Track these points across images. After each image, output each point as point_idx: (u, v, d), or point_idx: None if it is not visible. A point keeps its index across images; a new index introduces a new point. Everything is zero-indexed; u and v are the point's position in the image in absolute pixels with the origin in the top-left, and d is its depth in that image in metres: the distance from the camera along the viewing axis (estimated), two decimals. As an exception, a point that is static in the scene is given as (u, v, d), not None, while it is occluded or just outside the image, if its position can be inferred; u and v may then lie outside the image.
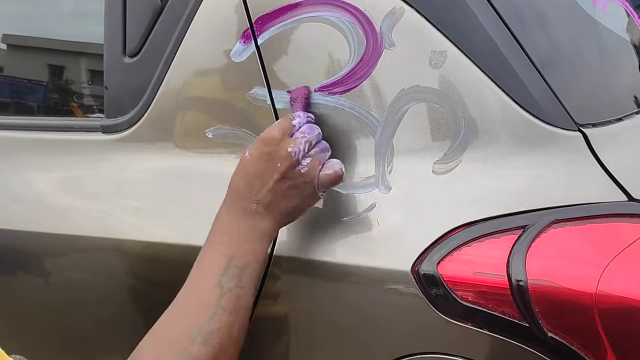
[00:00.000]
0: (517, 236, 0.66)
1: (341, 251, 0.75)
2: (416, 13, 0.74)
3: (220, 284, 0.68)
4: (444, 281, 0.67)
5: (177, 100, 0.89)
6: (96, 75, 1.13)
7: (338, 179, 0.74)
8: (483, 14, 0.73)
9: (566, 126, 0.71)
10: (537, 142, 0.71)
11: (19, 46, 1.33)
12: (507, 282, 0.65)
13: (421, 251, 0.69)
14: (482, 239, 0.68)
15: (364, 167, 0.76)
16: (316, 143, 0.74)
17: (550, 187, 0.70)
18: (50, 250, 1.00)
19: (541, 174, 0.71)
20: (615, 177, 0.69)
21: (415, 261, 0.69)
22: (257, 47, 0.81)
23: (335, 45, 0.77)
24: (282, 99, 0.80)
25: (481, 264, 0.67)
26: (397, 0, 0.74)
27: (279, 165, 0.72)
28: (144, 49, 0.91)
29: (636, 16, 0.96)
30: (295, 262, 0.77)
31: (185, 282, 0.71)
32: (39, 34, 1.28)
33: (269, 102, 0.81)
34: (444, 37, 0.73)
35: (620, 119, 0.76)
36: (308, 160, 0.73)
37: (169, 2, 0.89)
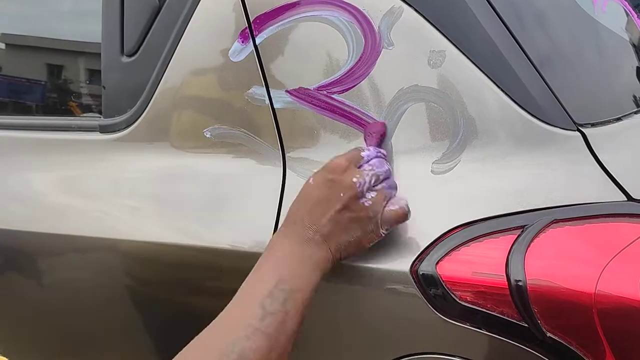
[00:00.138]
0: (516, 236, 0.66)
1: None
2: (415, 12, 0.74)
3: (262, 306, 0.65)
4: (443, 281, 0.67)
5: (175, 100, 0.89)
6: (94, 75, 1.13)
7: (403, 216, 0.70)
8: (482, 13, 0.73)
9: (565, 126, 0.71)
10: (536, 142, 0.71)
11: (16, 45, 1.32)
12: (506, 282, 0.64)
13: (420, 251, 0.69)
14: (481, 239, 0.67)
15: (363, 166, 0.76)
16: (384, 179, 0.71)
17: (549, 187, 0.69)
18: (48, 250, 1.00)
19: (540, 174, 0.70)
20: (614, 177, 0.69)
21: (414, 261, 0.69)
22: (256, 46, 0.81)
23: (333, 44, 0.77)
24: (280, 99, 0.80)
25: (480, 264, 0.66)
26: (395, 0, 0.74)
27: (342, 194, 0.69)
28: (141, 48, 0.91)
29: (635, 16, 0.96)
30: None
31: (232, 300, 0.68)
32: (37, 33, 1.27)
33: (267, 101, 0.81)
34: (442, 37, 0.73)
35: (619, 119, 0.76)
36: (373, 194, 0.70)
37: (166, 1, 0.89)
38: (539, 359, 0.64)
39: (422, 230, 0.70)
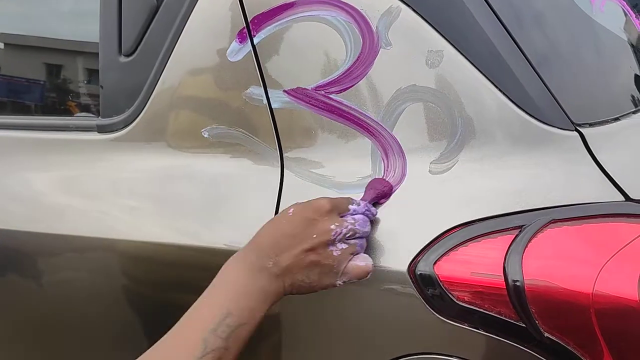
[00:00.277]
0: (514, 236, 0.66)
1: (337, 251, 0.75)
2: (413, 12, 0.74)
3: (205, 341, 0.65)
4: (441, 281, 0.67)
5: (172, 100, 0.89)
6: (92, 75, 1.13)
7: (365, 273, 0.70)
8: (480, 13, 0.73)
9: (563, 126, 0.71)
10: (534, 142, 0.71)
11: (14, 45, 1.32)
12: (504, 282, 0.64)
13: (418, 251, 0.69)
14: (478, 239, 0.67)
15: (360, 166, 0.76)
16: (360, 237, 0.71)
17: (547, 187, 0.69)
18: (46, 250, 1.00)
19: (538, 174, 0.70)
20: (612, 176, 0.69)
21: (412, 261, 0.69)
22: (253, 46, 0.81)
23: (331, 44, 0.76)
24: (278, 99, 0.80)
25: (478, 264, 0.66)
26: (393, 0, 0.74)
27: (314, 236, 0.69)
28: (139, 48, 0.91)
29: (633, 15, 0.96)
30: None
31: (177, 324, 0.68)
32: (34, 33, 1.27)
33: (265, 101, 0.81)
34: (440, 37, 0.73)
35: (617, 119, 0.76)
36: (344, 246, 0.70)
37: (164, 1, 0.88)
38: (537, 359, 0.64)
39: (419, 230, 0.70)
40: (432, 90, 0.73)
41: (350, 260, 0.70)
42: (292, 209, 0.70)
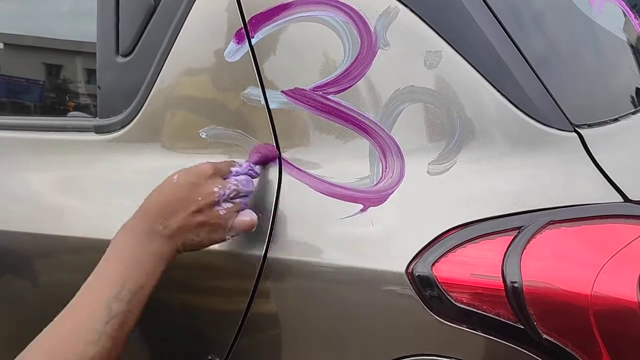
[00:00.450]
0: (512, 237, 0.66)
1: (335, 252, 0.74)
2: (411, 12, 0.73)
3: (109, 308, 0.69)
4: (439, 283, 0.67)
5: (170, 100, 0.89)
6: (89, 75, 1.12)
7: (252, 227, 0.76)
8: (478, 13, 0.73)
9: (562, 127, 0.71)
10: (532, 143, 0.71)
11: (11, 45, 1.32)
12: (502, 284, 0.64)
13: (416, 252, 0.69)
14: (477, 240, 0.67)
15: (359, 167, 0.76)
16: (243, 196, 0.77)
17: (546, 188, 0.69)
18: (44, 251, 1.00)
19: (537, 175, 0.70)
20: (611, 177, 0.69)
21: (410, 262, 0.69)
22: (251, 47, 0.80)
23: (329, 45, 0.76)
24: (276, 99, 0.80)
25: (476, 265, 0.66)
26: (391, 0, 0.74)
27: (199, 199, 0.74)
28: (137, 48, 0.91)
29: (632, 16, 0.96)
30: (289, 263, 0.77)
31: (77, 293, 0.71)
32: (31, 33, 1.27)
33: (262, 102, 0.81)
34: (438, 37, 0.73)
35: (616, 120, 0.76)
36: (229, 205, 0.75)
37: (162, 1, 0.88)
38: (535, 361, 0.64)
39: (418, 231, 0.70)
40: (430, 91, 0.73)
41: (236, 216, 0.75)
42: (176, 176, 0.75)
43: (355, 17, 0.75)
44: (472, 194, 0.71)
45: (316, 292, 0.75)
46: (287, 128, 0.80)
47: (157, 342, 0.92)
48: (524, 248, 0.65)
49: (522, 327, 0.64)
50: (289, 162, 0.80)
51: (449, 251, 0.68)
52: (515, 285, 0.64)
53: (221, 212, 0.74)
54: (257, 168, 0.79)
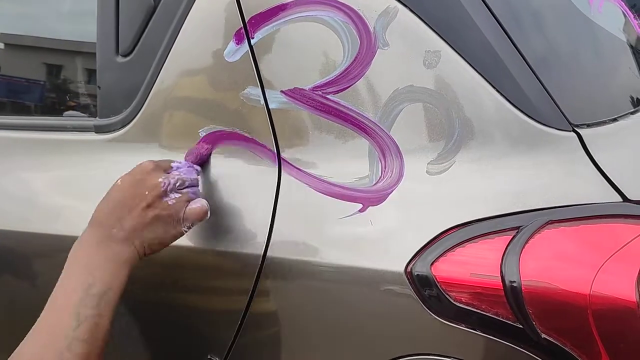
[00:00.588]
0: (511, 237, 0.66)
1: (334, 252, 0.74)
2: (410, 12, 0.73)
3: (76, 314, 0.69)
4: (438, 282, 0.67)
5: (170, 100, 0.89)
6: (89, 75, 1.13)
7: (204, 214, 0.77)
8: (477, 13, 0.73)
9: (561, 126, 0.71)
10: (531, 143, 0.71)
11: (11, 45, 1.32)
12: (501, 283, 0.64)
13: (415, 252, 0.69)
14: (476, 239, 0.67)
15: (358, 167, 0.76)
16: (190, 185, 0.78)
17: (545, 188, 0.69)
18: (43, 250, 1.00)
19: (535, 175, 0.70)
20: (610, 177, 0.69)
21: (409, 262, 0.69)
22: (251, 46, 0.80)
23: (328, 45, 0.76)
24: (275, 99, 0.80)
25: (475, 265, 0.66)
26: (390, 0, 0.74)
27: (146, 193, 0.75)
28: (136, 48, 0.91)
29: (632, 16, 0.96)
30: (288, 262, 0.77)
31: (43, 310, 0.71)
32: (31, 33, 1.27)
33: (262, 102, 0.81)
34: (438, 37, 0.73)
35: (615, 119, 0.76)
36: (177, 195, 0.76)
37: (162, 1, 0.89)
38: (534, 360, 0.64)
39: (417, 230, 0.70)
40: (429, 91, 0.73)
41: (187, 206, 0.76)
42: (119, 180, 0.76)
43: (355, 17, 0.75)
44: (471, 194, 0.71)
45: (315, 292, 0.76)
46: (286, 128, 0.80)
47: (157, 341, 0.92)
48: (523, 248, 0.65)
49: (521, 326, 0.64)
50: (288, 162, 0.80)
51: (448, 251, 0.68)
52: (514, 284, 0.64)
53: (170, 202, 0.75)
54: (197, 167, 0.82)
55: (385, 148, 0.75)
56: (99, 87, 0.96)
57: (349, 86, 0.76)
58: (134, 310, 0.93)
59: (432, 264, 0.68)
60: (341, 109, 0.77)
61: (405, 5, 0.74)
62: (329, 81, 0.77)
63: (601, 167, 0.69)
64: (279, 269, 0.78)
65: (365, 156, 0.76)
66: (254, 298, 0.79)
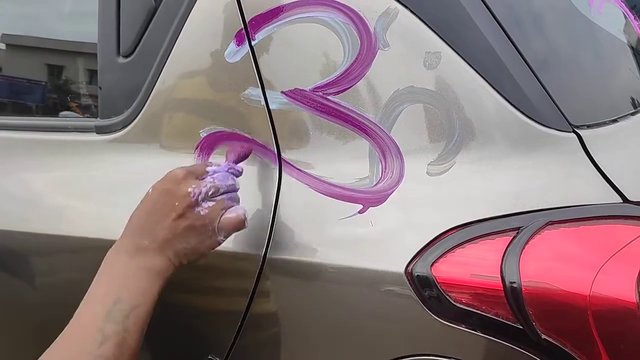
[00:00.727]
0: (511, 238, 0.66)
1: (335, 252, 0.75)
2: (410, 14, 0.74)
3: (102, 330, 0.66)
4: (438, 283, 0.67)
5: (170, 101, 0.89)
6: (90, 76, 1.13)
7: (240, 223, 0.73)
8: (478, 14, 0.73)
9: (561, 127, 0.71)
10: (531, 144, 0.71)
11: (12, 45, 1.32)
12: (501, 284, 0.64)
13: (415, 253, 0.69)
14: (476, 240, 0.67)
15: (358, 167, 0.76)
16: (226, 192, 0.74)
17: (545, 189, 0.69)
18: (44, 251, 1.00)
19: (536, 176, 0.70)
20: (610, 178, 0.69)
21: (409, 263, 0.69)
22: (251, 47, 0.81)
23: (329, 45, 0.76)
24: (276, 100, 0.80)
25: (475, 266, 0.66)
26: (391, 1, 0.74)
27: (176, 204, 0.71)
28: (138, 49, 0.91)
29: (632, 17, 0.96)
30: (288, 263, 0.77)
31: (69, 322, 0.69)
32: (32, 34, 1.27)
33: (263, 102, 0.81)
34: (438, 38, 0.73)
35: (615, 120, 0.76)
36: (210, 203, 0.72)
37: (162, 2, 0.89)
38: (534, 361, 0.64)
39: (417, 231, 0.70)
40: (430, 92, 0.73)
41: (222, 215, 0.73)
42: (150, 189, 0.73)
43: (355, 18, 0.75)
44: (471, 195, 0.71)
45: (316, 292, 0.76)
46: (287, 129, 0.81)
47: (157, 342, 0.92)
48: (523, 248, 0.65)
49: (521, 327, 0.64)
50: (289, 163, 0.80)
51: (448, 251, 0.68)
52: (514, 285, 0.64)
53: (202, 213, 0.72)
54: (238, 167, 0.77)
55: (385, 149, 0.75)
56: (100, 88, 0.97)
57: (350, 87, 0.76)
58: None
59: (432, 264, 0.68)
60: (342, 109, 0.77)
61: (406, 7, 0.74)
62: (329, 82, 0.77)
63: (601, 168, 0.69)
64: (280, 269, 0.78)
65: (366, 157, 0.76)
66: (255, 298, 0.79)
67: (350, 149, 0.77)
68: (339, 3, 0.75)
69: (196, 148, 0.85)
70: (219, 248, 0.81)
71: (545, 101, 0.72)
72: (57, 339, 0.68)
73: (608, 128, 0.74)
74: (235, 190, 0.75)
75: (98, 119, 0.97)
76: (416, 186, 0.73)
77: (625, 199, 0.67)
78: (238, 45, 0.81)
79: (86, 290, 0.95)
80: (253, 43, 0.80)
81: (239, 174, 0.77)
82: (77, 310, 0.69)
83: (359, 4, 0.75)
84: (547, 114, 0.71)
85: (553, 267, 0.64)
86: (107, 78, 0.95)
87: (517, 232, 0.66)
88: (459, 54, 0.72)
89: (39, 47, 1.27)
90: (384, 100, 0.75)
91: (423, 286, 0.68)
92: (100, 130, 0.96)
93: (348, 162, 0.77)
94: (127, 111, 0.93)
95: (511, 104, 0.71)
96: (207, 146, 0.85)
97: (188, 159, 0.88)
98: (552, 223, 0.66)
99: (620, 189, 0.68)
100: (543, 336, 0.63)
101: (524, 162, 0.71)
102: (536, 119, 0.71)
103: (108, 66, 0.95)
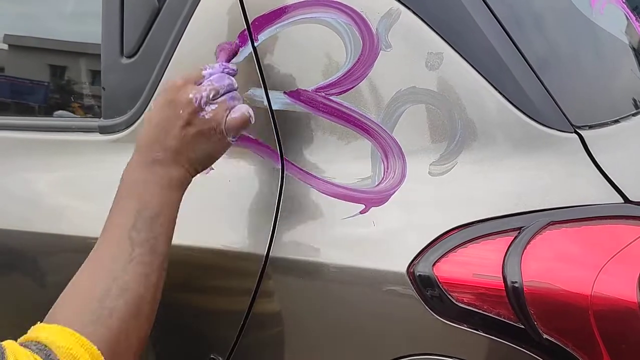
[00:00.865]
0: (513, 238, 0.66)
1: (336, 252, 0.75)
2: (412, 14, 0.74)
3: (130, 238, 0.68)
4: (440, 282, 0.67)
5: (174, 101, 0.89)
6: (94, 76, 1.13)
7: (246, 121, 0.73)
8: (479, 15, 0.73)
9: (562, 128, 0.71)
10: (533, 144, 0.71)
11: (16, 46, 1.33)
12: (503, 284, 0.65)
13: (417, 252, 0.69)
14: (477, 240, 0.67)
15: (360, 167, 0.76)
16: (226, 92, 0.74)
17: (546, 189, 0.70)
18: (47, 250, 1.00)
19: (537, 176, 0.71)
20: (612, 178, 0.69)
21: (411, 262, 0.69)
22: (254, 48, 0.81)
23: (331, 46, 0.77)
24: (278, 100, 0.80)
25: (477, 266, 0.67)
26: (393, 2, 0.74)
27: (181, 112, 0.71)
28: (141, 49, 0.92)
29: (633, 18, 0.96)
30: (290, 262, 0.77)
31: (98, 240, 0.71)
32: (36, 34, 1.28)
33: (265, 103, 0.81)
34: (440, 39, 0.73)
35: (616, 121, 0.76)
36: (213, 106, 0.72)
37: (166, 2, 0.89)
38: (535, 361, 0.64)
39: (419, 231, 0.70)
40: (431, 92, 0.73)
41: (227, 116, 0.73)
42: (152, 103, 0.74)
43: (357, 19, 0.75)
44: (473, 195, 0.71)
45: (318, 292, 0.76)
46: (289, 129, 0.81)
47: (160, 341, 0.92)
48: (525, 248, 0.65)
49: (523, 327, 0.64)
50: (291, 163, 0.80)
51: (449, 251, 0.68)
52: (516, 285, 0.64)
53: (207, 117, 0.72)
54: (233, 66, 0.77)
55: (387, 149, 0.75)
56: (104, 88, 0.97)
57: (352, 87, 0.76)
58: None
59: (434, 264, 0.68)
60: (344, 110, 0.77)
61: (408, 7, 0.74)
62: (331, 82, 0.77)
63: (603, 168, 0.69)
64: (282, 269, 0.78)
65: (368, 157, 0.76)
66: (257, 298, 0.79)
67: (352, 149, 0.77)
68: (341, 4, 0.76)
69: None
70: (221, 248, 0.81)
71: (547, 102, 0.72)
72: (90, 254, 0.70)
73: (610, 128, 0.74)
74: (235, 89, 0.75)
75: (101, 119, 0.97)
76: (418, 186, 0.73)
77: (626, 199, 0.67)
78: (241, 46, 0.82)
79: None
80: (256, 44, 0.81)
81: (234, 72, 0.77)
82: (103, 227, 0.71)
83: (361, 5, 0.75)
84: (548, 114, 0.71)
85: (554, 267, 0.64)
86: (111, 78, 0.96)
87: (519, 232, 0.66)
88: (460, 55, 0.72)
89: (43, 47, 1.28)
90: (386, 101, 0.75)
91: (425, 286, 0.68)
92: (103, 130, 0.96)
93: (350, 162, 0.77)
94: (131, 111, 0.93)
95: (513, 104, 0.71)
96: None
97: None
98: (553, 223, 0.66)
99: (621, 189, 0.68)
100: (545, 336, 0.63)
101: (525, 162, 0.71)
102: (538, 120, 0.71)
103: (111, 67, 0.95)
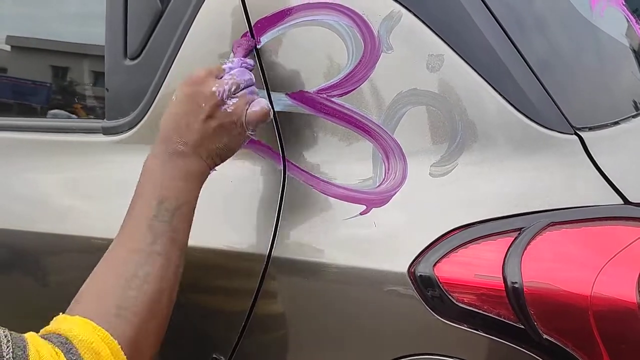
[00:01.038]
0: (513, 238, 0.66)
1: (338, 252, 0.75)
2: (413, 17, 0.74)
3: (152, 229, 0.69)
4: (440, 283, 0.68)
5: (177, 103, 0.90)
6: (97, 77, 1.14)
7: (265, 115, 0.75)
8: (480, 17, 0.74)
9: (563, 129, 0.71)
10: (533, 145, 0.71)
11: (19, 47, 1.33)
12: (503, 284, 0.65)
13: (418, 253, 0.70)
14: (478, 241, 0.68)
15: (362, 168, 0.77)
16: (246, 86, 0.75)
17: (547, 190, 0.70)
18: (51, 251, 1.01)
19: (538, 177, 0.71)
20: (612, 180, 0.69)
21: (412, 263, 0.69)
22: (256, 50, 0.81)
23: (333, 48, 0.77)
24: (281, 102, 0.81)
25: (477, 266, 0.67)
26: (394, 4, 0.75)
27: (203, 105, 0.73)
28: (144, 51, 0.92)
29: (634, 20, 0.96)
30: (292, 263, 0.78)
31: (119, 230, 0.72)
32: (40, 36, 1.28)
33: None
34: (441, 41, 0.73)
35: (616, 123, 0.76)
36: (234, 100, 0.74)
37: (169, 5, 0.90)
38: (535, 361, 0.65)
39: (420, 232, 0.71)
40: (432, 94, 0.74)
41: (247, 109, 0.74)
42: (174, 94, 0.75)
43: (359, 21, 0.76)
44: (473, 196, 0.71)
45: (319, 292, 0.76)
46: (291, 130, 0.81)
47: (162, 340, 0.93)
48: (525, 249, 0.65)
49: (523, 327, 0.64)
50: (293, 164, 0.81)
51: (450, 252, 0.68)
52: (516, 285, 0.64)
53: (229, 110, 0.73)
54: (250, 61, 0.79)
55: (388, 150, 0.76)
56: (107, 90, 0.98)
57: (353, 89, 0.77)
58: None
59: (434, 264, 0.68)
60: (345, 111, 0.78)
61: (409, 10, 0.74)
62: (333, 84, 0.78)
63: (603, 169, 0.69)
64: (284, 269, 0.79)
65: (369, 158, 0.77)
66: (259, 298, 0.79)
67: (353, 151, 0.78)
68: (343, 6, 0.76)
69: None
70: (223, 248, 0.82)
71: (547, 103, 0.72)
72: (112, 243, 0.71)
73: (609, 130, 0.75)
74: (254, 83, 0.77)
75: (105, 120, 0.98)
76: (419, 187, 0.74)
77: (626, 201, 0.68)
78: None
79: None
80: (258, 46, 0.81)
81: (251, 67, 0.79)
82: (124, 218, 0.72)
83: (362, 7, 0.76)
84: (549, 116, 0.72)
85: (554, 267, 0.65)
86: (114, 80, 0.96)
87: (519, 233, 0.66)
88: (461, 57, 0.73)
89: (47, 49, 1.28)
90: (387, 102, 0.76)
91: (426, 286, 0.68)
92: (107, 131, 0.97)
93: (352, 163, 0.78)
94: (134, 113, 0.94)
95: (513, 106, 0.72)
96: None
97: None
98: (553, 224, 0.66)
99: (621, 191, 0.68)
100: (544, 336, 0.63)
101: (525, 163, 0.71)
102: (538, 121, 0.71)
103: (115, 68, 0.96)
